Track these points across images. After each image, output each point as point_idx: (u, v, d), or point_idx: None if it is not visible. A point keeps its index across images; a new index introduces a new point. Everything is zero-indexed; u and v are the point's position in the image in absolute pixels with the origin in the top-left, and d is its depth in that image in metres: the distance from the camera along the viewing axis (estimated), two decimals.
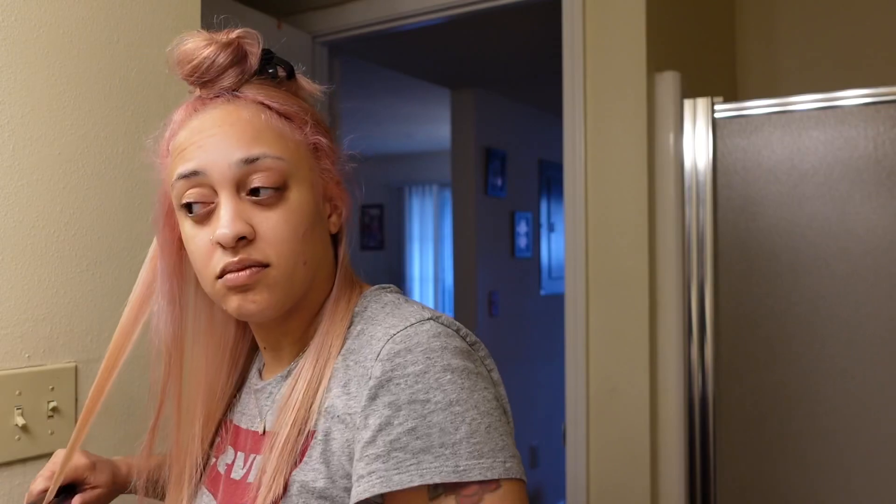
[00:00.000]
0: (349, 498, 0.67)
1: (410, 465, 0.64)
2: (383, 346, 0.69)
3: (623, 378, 1.80)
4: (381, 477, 0.64)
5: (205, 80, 0.75)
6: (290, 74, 0.79)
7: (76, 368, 1.07)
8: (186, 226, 0.74)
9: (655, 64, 1.81)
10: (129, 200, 1.15)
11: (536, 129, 4.40)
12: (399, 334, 0.69)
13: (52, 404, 1.04)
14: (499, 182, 4.04)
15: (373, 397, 0.67)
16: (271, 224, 0.72)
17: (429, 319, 0.71)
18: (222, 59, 0.74)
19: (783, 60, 2.35)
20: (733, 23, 2.41)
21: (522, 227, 4.24)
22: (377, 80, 3.90)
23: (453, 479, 0.63)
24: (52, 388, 1.04)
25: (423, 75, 3.75)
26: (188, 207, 0.73)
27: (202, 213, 0.73)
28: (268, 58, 0.77)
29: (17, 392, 1.01)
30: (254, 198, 0.72)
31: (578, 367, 1.86)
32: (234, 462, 0.80)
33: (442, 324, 0.71)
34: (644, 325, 1.77)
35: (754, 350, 1.76)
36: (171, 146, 0.76)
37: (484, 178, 3.94)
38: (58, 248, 1.06)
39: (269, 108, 0.75)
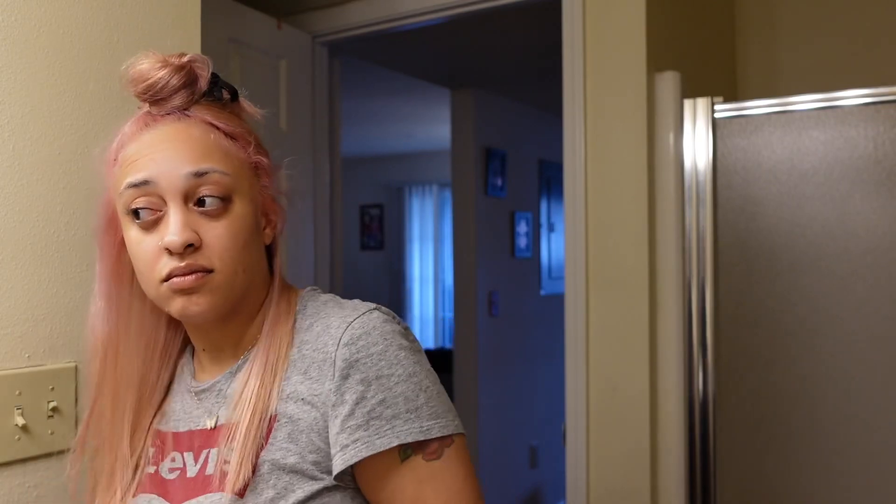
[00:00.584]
0: (317, 470, 0.76)
1: (387, 430, 0.75)
2: (343, 332, 0.78)
3: (623, 378, 1.80)
4: (365, 443, 0.75)
5: (157, 98, 0.80)
6: (234, 97, 0.85)
7: (76, 368, 1.07)
8: (132, 231, 0.80)
9: (655, 64, 1.81)
10: None
11: (536, 129, 4.40)
12: (356, 321, 0.79)
13: (52, 404, 1.04)
14: (499, 182, 4.04)
15: (345, 377, 0.76)
16: (216, 233, 0.78)
17: (374, 309, 0.81)
18: (175, 81, 0.79)
19: (783, 60, 2.35)
20: (733, 23, 2.41)
21: (522, 227, 4.24)
22: (377, 80, 3.90)
23: (420, 437, 0.75)
24: (52, 388, 1.04)
25: (423, 75, 3.75)
26: (136, 214, 0.78)
27: (149, 220, 0.78)
28: (215, 81, 0.83)
29: (17, 392, 1.01)
30: (200, 208, 0.78)
31: (578, 367, 1.86)
32: (184, 464, 0.83)
33: (384, 312, 0.82)
34: (644, 325, 1.77)
35: (754, 350, 1.76)
36: (121, 156, 0.81)
37: (484, 178, 3.94)
38: (58, 248, 1.06)
39: (217, 127, 0.81)
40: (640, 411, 1.77)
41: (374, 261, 6.76)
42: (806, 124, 1.70)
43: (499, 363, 3.94)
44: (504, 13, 2.21)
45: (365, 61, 3.38)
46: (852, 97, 1.65)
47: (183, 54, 0.81)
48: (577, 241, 1.86)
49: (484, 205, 3.94)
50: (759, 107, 1.74)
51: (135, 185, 0.78)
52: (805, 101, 1.70)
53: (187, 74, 0.80)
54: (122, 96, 1.14)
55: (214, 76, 0.83)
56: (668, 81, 1.79)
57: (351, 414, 0.75)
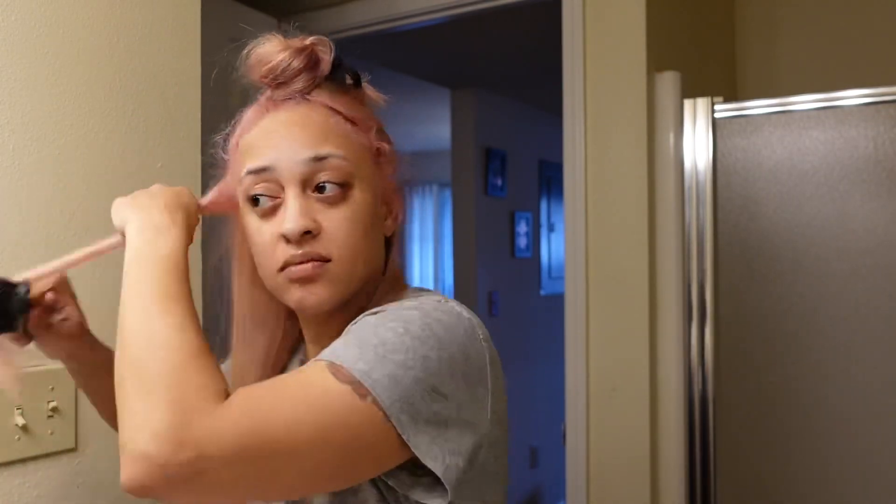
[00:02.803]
0: None
1: (337, 347, 0.67)
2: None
3: (623, 378, 1.80)
4: (327, 351, 0.68)
5: (278, 82, 0.78)
6: (357, 82, 0.83)
7: None
8: (251, 219, 0.78)
9: (655, 64, 1.81)
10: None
11: (536, 129, 4.40)
12: (405, 301, 0.74)
13: (52, 404, 1.04)
14: (499, 182, 4.04)
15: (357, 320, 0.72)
16: (335, 221, 0.75)
17: (437, 299, 0.75)
18: (296, 63, 0.77)
19: (783, 60, 2.35)
20: (733, 23, 2.41)
21: (522, 227, 4.24)
22: (377, 80, 3.89)
23: (357, 375, 0.64)
24: (52, 388, 1.04)
25: (423, 75, 3.75)
26: (255, 201, 0.76)
27: (268, 206, 0.76)
28: (338, 64, 0.80)
29: (17, 392, 1.00)
30: (319, 195, 0.75)
31: (578, 367, 1.86)
32: None
33: (452, 306, 0.74)
34: (644, 325, 1.77)
35: (754, 350, 1.76)
36: (242, 143, 0.79)
37: (484, 178, 3.94)
38: (58, 248, 1.06)
39: (337, 112, 0.78)
40: (640, 411, 1.77)
41: None
42: (806, 124, 1.70)
43: None
44: (504, 13, 2.21)
45: (365, 61, 3.37)
46: (852, 97, 1.65)
47: (305, 37, 0.79)
48: (577, 241, 1.86)
49: (484, 205, 3.94)
50: (759, 107, 1.74)
51: (254, 172, 0.76)
52: (805, 101, 1.70)
53: (308, 57, 0.78)
54: (122, 96, 1.14)
55: (337, 59, 0.80)
56: (668, 81, 1.79)
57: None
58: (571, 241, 1.88)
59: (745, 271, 1.76)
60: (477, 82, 3.88)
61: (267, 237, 0.76)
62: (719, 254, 1.77)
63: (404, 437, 0.65)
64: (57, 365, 1.05)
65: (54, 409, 1.04)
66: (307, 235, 0.74)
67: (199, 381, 0.61)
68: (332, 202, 0.75)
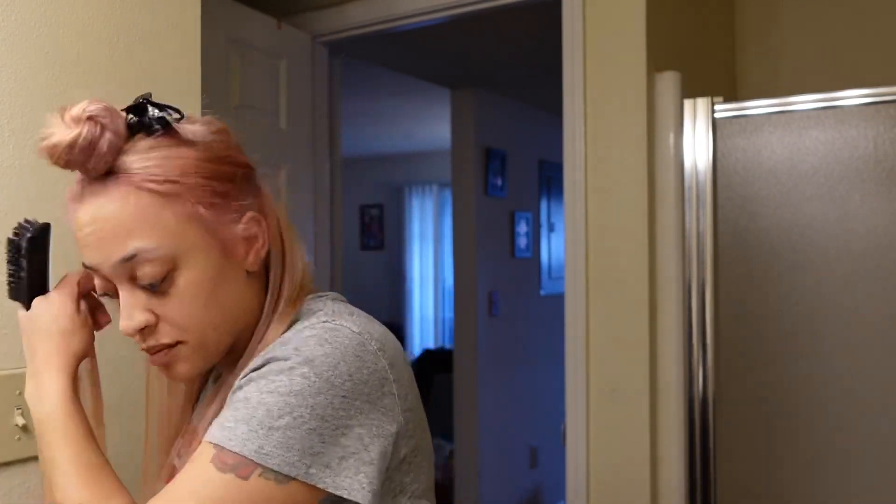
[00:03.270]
0: None
1: (228, 426, 0.68)
2: (273, 346, 0.74)
3: (623, 378, 1.80)
4: (211, 427, 0.70)
5: (74, 168, 0.73)
6: (165, 126, 0.74)
7: None
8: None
9: (655, 64, 1.81)
10: None
11: (536, 129, 4.39)
12: (288, 334, 0.75)
13: None
14: (499, 182, 4.04)
15: (244, 376, 0.73)
16: (170, 308, 0.74)
17: (323, 322, 0.74)
18: (76, 152, 0.70)
19: (783, 60, 2.35)
20: (733, 23, 2.41)
21: (522, 227, 4.24)
22: (377, 80, 3.90)
23: (252, 456, 0.66)
24: None
25: (423, 75, 3.74)
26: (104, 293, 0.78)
27: (115, 300, 0.76)
28: (139, 112, 0.74)
29: (17, 392, 1.01)
30: (145, 287, 0.74)
31: (578, 368, 1.86)
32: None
33: (337, 325, 0.73)
34: (644, 325, 1.77)
35: (754, 350, 1.76)
36: (72, 225, 0.77)
37: (484, 178, 3.94)
38: (58, 247, 1.06)
39: (144, 187, 0.72)
40: (640, 411, 1.77)
41: (375, 261, 6.75)
42: (806, 124, 1.70)
43: (499, 363, 3.93)
44: (504, 13, 2.21)
45: (365, 61, 3.38)
46: (852, 97, 1.65)
47: (87, 104, 0.71)
48: (577, 241, 1.86)
49: (484, 205, 3.94)
50: (759, 107, 1.74)
51: (87, 268, 0.77)
52: (805, 101, 1.70)
53: (88, 136, 0.70)
54: (122, 96, 1.14)
55: (137, 108, 0.74)
56: (668, 81, 1.79)
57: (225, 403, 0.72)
58: (571, 241, 1.88)
59: (745, 271, 1.76)
60: (477, 82, 3.88)
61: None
62: (719, 254, 1.77)
63: (322, 486, 0.68)
64: None
65: None
66: (146, 329, 0.75)
67: None
68: (162, 292, 0.74)
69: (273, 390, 0.68)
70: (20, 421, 1.00)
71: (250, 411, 0.68)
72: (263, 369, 0.71)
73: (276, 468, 0.66)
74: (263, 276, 0.81)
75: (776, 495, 1.74)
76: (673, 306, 1.76)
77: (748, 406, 1.76)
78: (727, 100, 1.78)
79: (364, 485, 0.69)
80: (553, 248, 4.52)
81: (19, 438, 1.01)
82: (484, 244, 3.91)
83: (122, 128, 0.73)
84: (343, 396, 0.70)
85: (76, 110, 0.70)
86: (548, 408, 4.14)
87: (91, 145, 0.70)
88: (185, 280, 0.74)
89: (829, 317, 1.68)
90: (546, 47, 2.30)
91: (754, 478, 1.75)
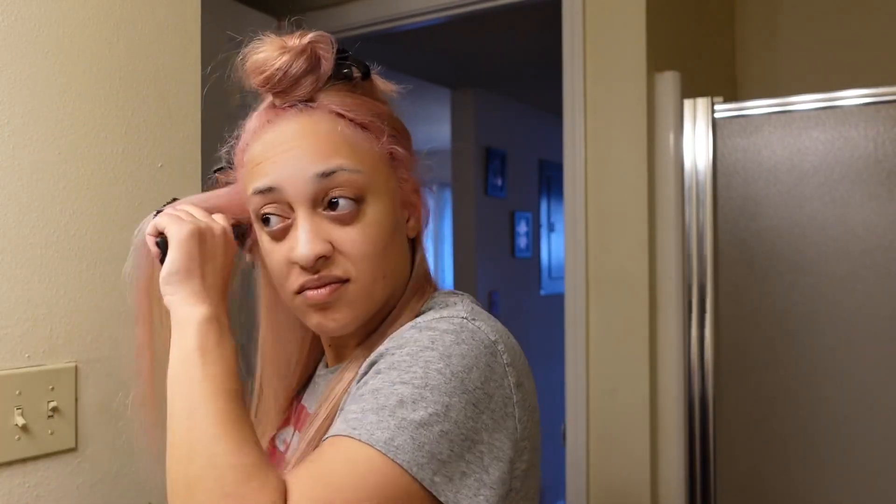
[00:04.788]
0: None
1: (353, 418, 0.62)
2: (404, 329, 0.69)
3: (623, 378, 1.80)
4: (334, 425, 0.65)
5: (278, 90, 0.73)
6: (366, 75, 0.77)
7: (76, 368, 1.07)
8: (264, 240, 0.74)
9: (655, 64, 1.81)
10: (129, 200, 1.15)
11: (536, 129, 4.40)
12: (423, 321, 0.69)
13: (52, 404, 1.04)
14: (499, 182, 4.04)
15: (371, 363, 0.68)
16: (350, 239, 0.71)
17: (462, 318, 0.69)
18: (296, 68, 0.71)
19: (783, 60, 2.35)
20: (733, 23, 2.41)
21: (522, 227, 4.24)
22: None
23: (380, 447, 0.60)
24: (52, 388, 1.04)
25: (423, 75, 3.75)
26: (265, 221, 0.73)
27: (279, 227, 0.72)
28: (343, 58, 0.75)
29: (17, 392, 1.01)
30: (331, 213, 0.71)
31: (578, 367, 1.86)
32: (291, 440, 0.82)
33: (475, 326, 0.68)
34: (644, 325, 1.77)
35: (754, 350, 1.76)
36: (246, 158, 0.75)
37: (484, 178, 3.94)
38: (58, 248, 1.06)
39: (346, 117, 0.73)
40: (640, 411, 1.77)
41: None
42: (806, 124, 1.70)
43: None
44: (504, 13, 2.21)
45: (365, 61, 3.37)
46: (852, 97, 1.65)
47: (304, 33, 0.73)
48: (577, 241, 1.86)
49: (484, 205, 3.94)
50: (759, 107, 1.74)
51: (260, 192, 0.71)
52: (805, 101, 1.70)
53: (308, 59, 0.72)
54: (122, 96, 1.14)
55: (342, 53, 0.75)
56: (668, 81, 1.79)
57: (350, 397, 0.67)
58: (571, 241, 1.88)
59: (745, 271, 1.76)
60: (477, 82, 3.88)
61: (280, 260, 0.72)
62: (719, 254, 1.77)
63: (443, 500, 0.61)
64: (57, 365, 1.05)
65: (54, 409, 1.04)
66: (321, 260, 0.70)
67: (259, 483, 0.59)
68: (346, 220, 0.71)
69: (407, 381, 0.63)
70: (20, 421, 1.00)
71: (381, 401, 0.62)
72: (394, 357, 0.65)
73: (404, 465, 0.60)
74: (410, 256, 0.79)
75: (776, 495, 1.74)
76: (673, 306, 1.77)
77: (748, 406, 1.76)
78: (727, 100, 1.78)
79: None
80: (553, 248, 4.52)
81: (19, 438, 1.01)
82: (484, 244, 3.91)
83: (332, 63, 0.73)
84: (473, 405, 0.64)
85: (302, 40, 0.72)
86: (548, 408, 4.14)
87: (303, 73, 0.71)
88: (372, 213, 0.72)
89: (828, 316, 1.68)
90: (546, 47, 2.30)
91: (754, 478, 1.75)
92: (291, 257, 0.70)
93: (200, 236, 0.72)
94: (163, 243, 0.73)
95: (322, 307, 0.71)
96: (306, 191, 0.70)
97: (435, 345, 0.65)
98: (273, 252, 0.73)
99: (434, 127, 5.23)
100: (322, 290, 0.70)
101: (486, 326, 0.69)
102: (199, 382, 0.64)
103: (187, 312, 0.68)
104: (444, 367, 0.63)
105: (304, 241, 0.69)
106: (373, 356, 0.69)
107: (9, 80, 1.01)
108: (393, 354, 0.66)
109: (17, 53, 1.02)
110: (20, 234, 1.02)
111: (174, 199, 0.79)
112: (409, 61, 3.51)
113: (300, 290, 0.71)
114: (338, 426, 0.63)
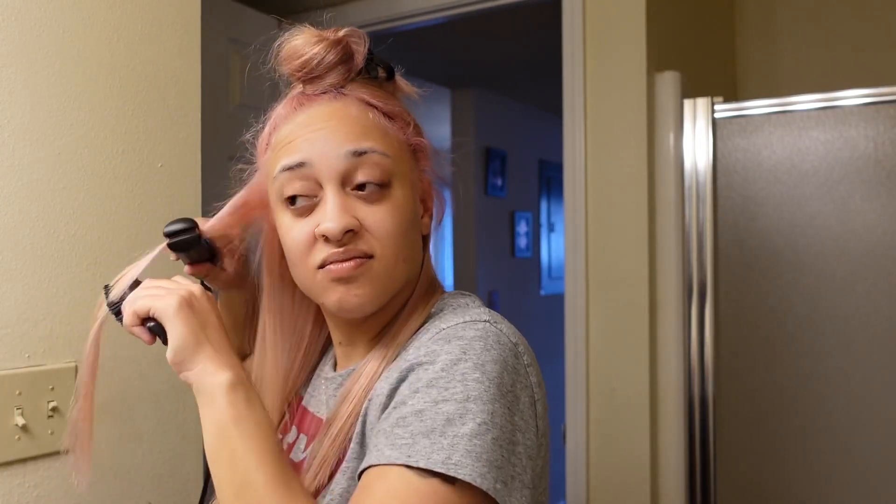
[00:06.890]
0: None
1: (404, 444, 0.63)
2: (430, 338, 0.70)
3: (623, 378, 1.80)
4: (377, 449, 0.64)
5: (311, 76, 0.75)
6: (391, 75, 0.80)
7: (76, 368, 1.07)
8: (284, 219, 0.74)
9: (655, 64, 1.81)
10: (129, 200, 1.15)
11: (536, 129, 4.40)
12: (448, 328, 0.70)
13: (52, 404, 1.04)
14: (499, 182, 4.04)
15: (402, 379, 0.68)
16: (377, 217, 0.72)
17: (485, 321, 0.70)
18: (331, 57, 0.75)
19: (783, 60, 2.35)
20: (733, 23, 2.41)
21: (522, 227, 4.24)
22: None
23: (440, 469, 0.61)
24: (52, 388, 1.04)
25: (423, 75, 3.74)
26: (290, 200, 0.73)
27: (304, 206, 0.72)
28: (371, 57, 0.78)
29: (17, 392, 1.01)
30: (359, 192, 0.72)
31: (578, 367, 1.86)
32: (295, 442, 0.82)
33: (499, 330, 0.70)
34: (644, 325, 1.77)
35: (754, 350, 1.76)
36: (274, 140, 0.76)
37: (484, 178, 3.94)
38: (58, 248, 1.06)
39: (374, 106, 0.76)
40: (640, 411, 1.77)
41: None
42: (806, 124, 1.70)
43: None
44: (504, 13, 2.21)
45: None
46: (852, 97, 1.65)
47: (339, 28, 0.76)
48: (577, 241, 1.86)
49: (484, 205, 3.94)
50: (759, 107, 1.74)
51: (289, 168, 0.72)
52: (805, 101, 1.70)
53: (343, 50, 0.75)
54: (122, 96, 1.14)
55: (370, 53, 0.78)
56: (668, 81, 1.79)
57: (387, 417, 0.67)
58: (571, 241, 1.88)
59: (745, 271, 1.76)
60: (477, 82, 3.88)
61: (302, 235, 0.72)
62: (719, 254, 1.77)
63: None
64: (57, 365, 1.05)
65: (54, 409, 1.04)
66: (348, 234, 0.70)
67: None
68: (373, 200, 0.72)
69: (448, 398, 0.64)
70: (20, 421, 1.01)
71: (428, 423, 0.63)
72: (429, 374, 0.66)
73: (467, 478, 0.60)
74: (421, 254, 0.80)
75: (776, 495, 1.74)
76: (673, 306, 1.77)
77: (748, 406, 1.76)
78: (727, 100, 1.78)
79: None
80: (553, 248, 4.52)
81: (19, 438, 1.01)
82: (484, 244, 3.91)
83: (363, 58, 0.77)
84: (508, 408, 0.65)
85: (337, 33, 0.76)
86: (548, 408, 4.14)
87: (336, 63, 0.75)
88: (397, 197, 0.73)
89: (828, 316, 1.68)
90: (546, 47, 2.30)
91: (754, 478, 1.75)
92: (319, 230, 0.71)
93: (188, 303, 0.72)
94: (156, 327, 0.73)
95: (346, 280, 0.71)
96: (338, 167, 0.71)
97: (467, 355, 0.66)
98: (294, 228, 0.73)
99: (434, 127, 5.23)
100: (348, 264, 0.71)
101: (507, 329, 0.71)
102: (242, 457, 0.66)
103: (210, 383, 0.69)
104: (480, 377, 0.65)
105: (333, 214, 0.70)
106: (402, 366, 0.69)
107: (9, 80, 1.01)
108: (427, 370, 0.67)
109: (17, 53, 1.02)
110: (20, 234, 1.02)
111: (137, 282, 0.78)
112: (408, 61, 3.50)
113: (323, 265, 0.72)
114: (385, 453, 0.63)
